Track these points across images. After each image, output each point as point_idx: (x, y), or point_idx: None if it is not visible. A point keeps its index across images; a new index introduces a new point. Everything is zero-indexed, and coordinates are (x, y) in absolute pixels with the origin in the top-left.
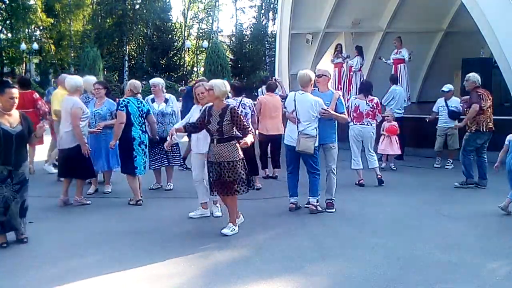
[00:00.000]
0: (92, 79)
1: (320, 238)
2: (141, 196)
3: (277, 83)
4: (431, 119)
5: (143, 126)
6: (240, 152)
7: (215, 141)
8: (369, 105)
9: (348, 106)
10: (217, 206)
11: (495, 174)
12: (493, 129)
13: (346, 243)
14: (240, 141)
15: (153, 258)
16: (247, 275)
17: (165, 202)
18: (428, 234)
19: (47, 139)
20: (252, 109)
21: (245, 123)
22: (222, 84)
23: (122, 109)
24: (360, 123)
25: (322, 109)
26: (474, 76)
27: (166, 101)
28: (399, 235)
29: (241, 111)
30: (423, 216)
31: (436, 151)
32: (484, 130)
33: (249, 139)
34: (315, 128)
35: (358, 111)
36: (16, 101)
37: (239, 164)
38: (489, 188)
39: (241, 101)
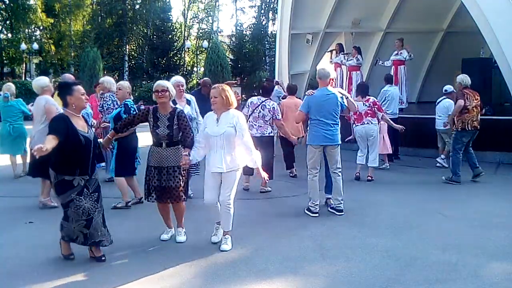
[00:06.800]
0: (111, 79)
1: (320, 238)
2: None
3: (279, 85)
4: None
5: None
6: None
7: (163, 145)
8: (366, 105)
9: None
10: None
11: (494, 175)
12: (478, 127)
13: (346, 243)
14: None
15: (153, 258)
16: (247, 275)
17: None
18: (428, 234)
19: None
20: (273, 112)
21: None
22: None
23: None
24: (361, 123)
25: None
26: (459, 78)
27: (189, 102)
28: (399, 235)
29: (259, 112)
30: (423, 216)
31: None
32: (469, 128)
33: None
34: None
35: (358, 112)
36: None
37: (181, 170)
38: (489, 188)
39: (262, 102)
